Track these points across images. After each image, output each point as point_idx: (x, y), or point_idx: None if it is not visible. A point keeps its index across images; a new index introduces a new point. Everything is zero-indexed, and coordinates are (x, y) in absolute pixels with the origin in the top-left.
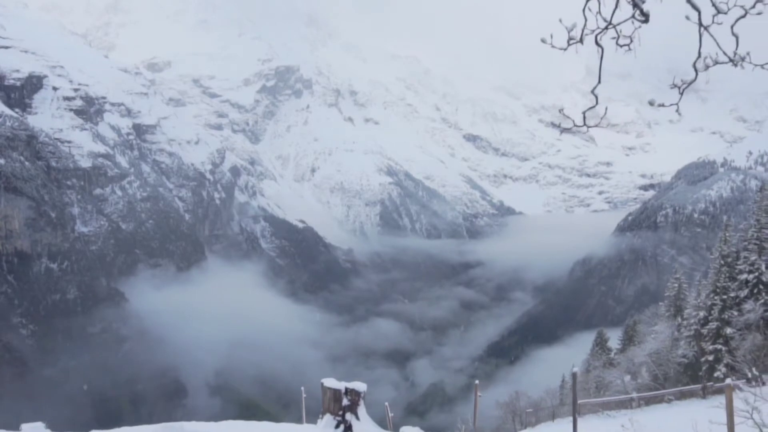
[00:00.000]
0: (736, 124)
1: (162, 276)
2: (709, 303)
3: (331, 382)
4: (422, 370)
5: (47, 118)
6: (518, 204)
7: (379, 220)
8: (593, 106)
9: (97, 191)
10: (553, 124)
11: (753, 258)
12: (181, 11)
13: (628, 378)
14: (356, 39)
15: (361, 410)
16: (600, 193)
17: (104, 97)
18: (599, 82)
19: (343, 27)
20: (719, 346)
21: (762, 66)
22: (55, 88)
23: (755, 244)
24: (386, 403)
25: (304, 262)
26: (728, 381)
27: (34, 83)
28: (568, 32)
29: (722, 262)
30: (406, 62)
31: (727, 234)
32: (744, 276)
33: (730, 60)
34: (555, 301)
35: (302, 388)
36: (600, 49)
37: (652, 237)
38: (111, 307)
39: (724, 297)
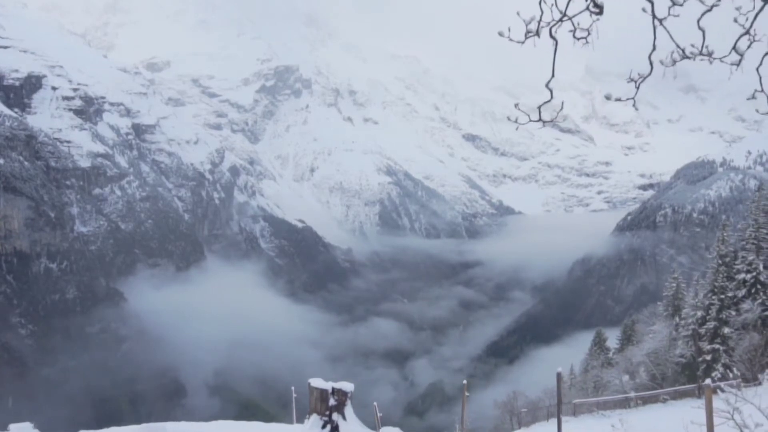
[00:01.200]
0: (735, 123)
1: (161, 276)
2: (707, 303)
3: (317, 382)
4: (421, 370)
5: (46, 117)
6: (517, 204)
7: (378, 219)
8: (548, 101)
9: (97, 191)
10: (509, 119)
11: (751, 258)
12: (180, 11)
13: (626, 378)
14: (356, 39)
15: (348, 410)
16: (599, 192)
17: (103, 97)
18: (552, 75)
19: (343, 27)
20: (717, 346)
21: (721, 59)
22: (54, 88)
23: (753, 243)
24: (375, 403)
25: (304, 262)
26: (707, 381)
27: (33, 83)
28: (526, 25)
29: (720, 261)
30: (405, 62)
31: (725, 234)
32: (742, 276)
33: (699, 53)
34: (554, 300)
35: (292, 388)
36: (554, 42)
37: (651, 237)
38: (110, 307)
39: (722, 297)
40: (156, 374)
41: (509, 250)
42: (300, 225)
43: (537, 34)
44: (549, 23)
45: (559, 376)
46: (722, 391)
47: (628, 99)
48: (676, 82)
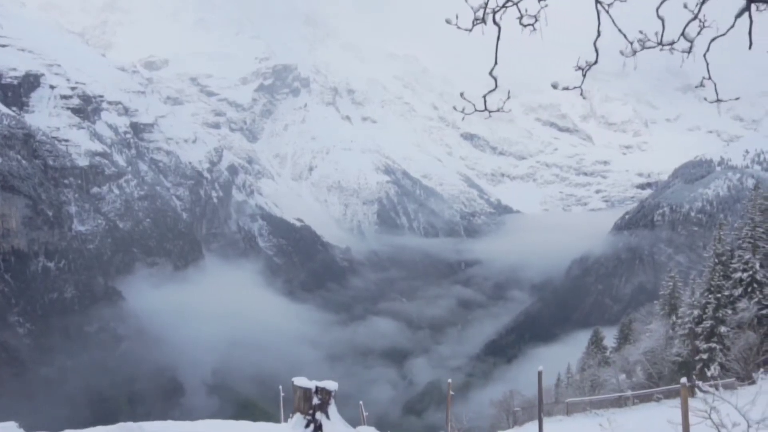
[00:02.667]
0: (733, 123)
1: (159, 275)
2: (704, 301)
3: (301, 381)
4: (420, 369)
5: (44, 116)
6: (515, 203)
7: (376, 218)
8: (493, 90)
9: (95, 190)
10: (455, 108)
11: (747, 256)
12: (179, 10)
13: (623, 376)
14: (354, 38)
15: (332, 409)
16: (597, 191)
17: (101, 96)
18: (496, 63)
19: (342, 26)
20: (713, 345)
21: (671, 47)
22: (52, 87)
23: (749, 242)
24: (360, 402)
25: (302, 261)
26: (683, 380)
27: (31, 82)
28: (474, 12)
29: (716, 260)
30: (403, 61)
31: (721, 233)
32: (738, 274)
33: (658, 44)
34: (552, 299)
35: (280, 387)
36: (498, 29)
37: (649, 236)
38: (108, 306)
39: (719, 295)
40: (154, 373)
41: (507, 249)
42: (298, 224)
43: (484, 21)
44: (494, 9)
45: (539, 375)
46: (700, 389)
47: (575, 87)
48: (675, 81)
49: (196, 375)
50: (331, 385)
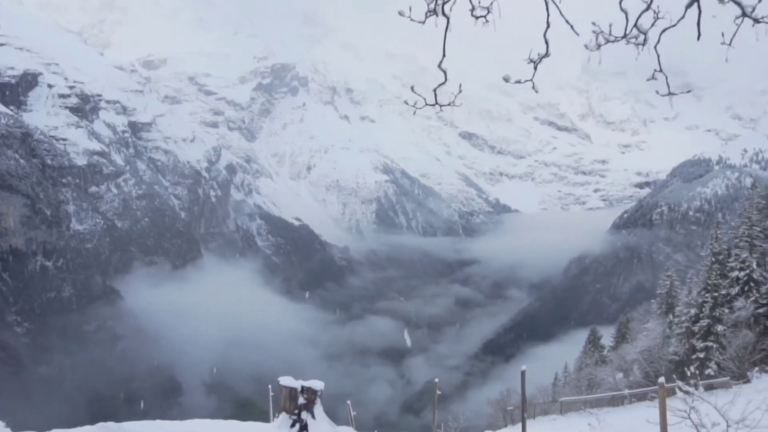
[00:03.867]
0: (731, 121)
1: (157, 274)
2: (701, 300)
3: (287, 381)
4: (418, 368)
5: (42, 115)
6: (514, 202)
7: (374, 217)
8: (443, 83)
9: (93, 189)
10: (406, 103)
11: (744, 255)
12: (177, 9)
13: (620, 375)
14: (352, 37)
15: (318, 409)
16: (595, 190)
17: (100, 95)
18: (444, 56)
19: (340, 25)
20: (710, 344)
21: (627, 39)
22: (50, 86)
23: (746, 241)
24: (348, 402)
25: (300, 260)
26: (661, 380)
27: (29, 81)
28: (427, 5)
29: (713, 259)
30: (402, 60)
31: (718, 231)
32: (735, 273)
33: (624, 37)
34: (550, 298)
35: (270, 386)
36: (446, 20)
37: (648, 235)
38: (106, 305)
39: (716, 294)
40: (152, 372)
41: (506, 248)
42: (297, 223)
43: (436, 12)
44: (444, 0)
45: (523, 375)
46: (681, 389)
47: (526, 81)
48: (673, 80)
49: (194, 374)
50: (317, 384)
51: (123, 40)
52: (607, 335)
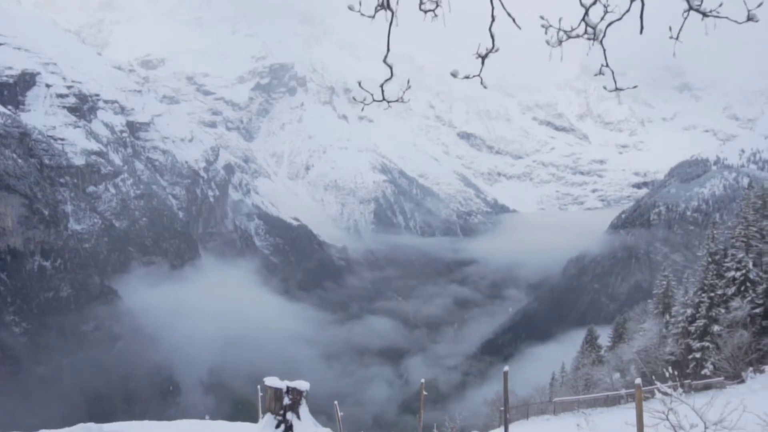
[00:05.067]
0: (729, 122)
1: (155, 274)
2: (697, 300)
3: (272, 381)
4: (416, 368)
5: (40, 115)
6: (512, 202)
7: (373, 217)
8: (389, 78)
9: (91, 189)
10: (355, 99)
11: (740, 255)
12: (175, 8)
13: (617, 375)
14: (350, 37)
15: (303, 409)
16: (593, 191)
17: (98, 95)
18: (388, 50)
19: (337, 24)
20: (706, 344)
21: (599, 41)
22: (48, 86)
23: (742, 241)
24: (335, 402)
25: (298, 260)
26: (637, 381)
27: (27, 80)
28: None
29: (710, 259)
30: (399, 60)
31: (714, 232)
32: (731, 273)
33: (585, 33)
34: (548, 298)
35: (259, 387)
36: (391, 14)
37: (645, 235)
38: (104, 304)
39: (712, 294)
40: (150, 372)
41: (504, 248)
42: (295, 223)
43: (383, 7)
44: None
45: (505, 375)
46: (659, 391)
47: (474, 76)
48: (671, 80)
49: (192, 374)
50: (302, 385)
51: (121, 39)
52: (605, 335)
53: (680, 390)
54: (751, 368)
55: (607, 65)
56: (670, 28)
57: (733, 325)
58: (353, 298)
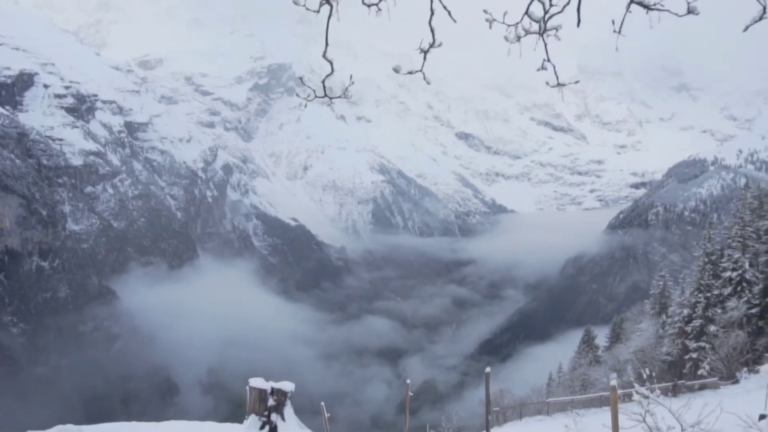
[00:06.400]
0: (726, 122)
1: (154, 274)
2: (693, 301)
3: (257, 382)
4: (414, 368)
5: (38, 115)
6: (510, 202)
7: (371, 218)
8: (330, 74)
9: (89, 189)
10: (297, 95)
11: (737, 256)
12: (173, 9)
13: (614, 375)
14: (348, 37)
15: (288, 410)
16: (591, 191)
17: (96, 95)
18: (327, 44)
19: (335, 25)
20: (703, 344)
21: (542, 34)
22: (46, 86)
23: (739, 241)
24: (322, 403)
25: (297, 260)
26: (613, 382)
27: (25, 81)
28: None
29: (706, 260)
30: (397, 60)
31: (711, 232)
32: (728, 274)
33: (539, 29)
34: (547, 298)
35: (247, 387)
36: (330, 8)
37: (643, 235)
38: (102, 305)
39: (708, 295)
40: (149, 372)
41: (502, 248)
42: (293, 223)
43: (326, 1)
44: None
45: (487, 376)
46: (636, 393)
47: (417, 71)
48: (669, 80)
49: (190, 374)
50: (287, 386)
51: (119, 40)
52: (603, 335)
53: (657, 392)
54: (745, 369)
55: (548, 59)
56: (613, 22)
57: (730, 325)
58: (352, 298)
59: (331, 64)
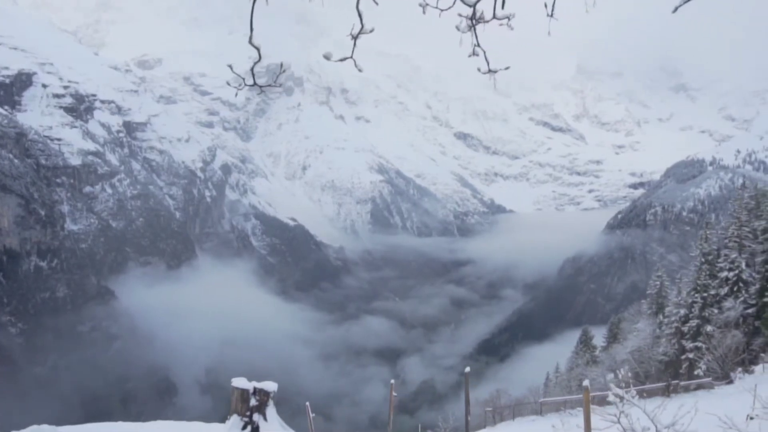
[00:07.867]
0: (724, 122)
1: (152, 274)
2: (690, 301)
3: (239, 382)
4: (413, 368)
5: (37, 115)
6: (509, 202)
7: (370, 218)
8: (258, 61)
9: (87, 189)
10: (228, 84)
11: (733, 256)
12: (172, 8)
13: (610, 376)
14: (346, 37)
15: (270, 411)
16: (590, 191)
17: (94, 95)
18: (252, 29)
19: (333, 25)
20: (699, 344)
21: (506, 22)
22: (44, 86)
23: (735, 242)
24: (307, 403)
25: (295, 260)
26: (585, 383)
27: (23, 80)
28: None
29: (703, 260)
30: (396, 60)
31: (708, 232)
32: (724, 274)
33: (493, 17)
34: (545, 298)
35: (234, 387)
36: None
37: (642, 235)
38: (101, 305)
39: (705, 295)
40: (147, 372)
41: (501, 248)
42: (292, 223)
43: None
44: None
45: (466, 376)
46: (612, 394)
47: (347, 58)
48: (667, 81)
49: (189, 374)
50: (269, 386)
51: (118, 39)
52: (601, 335)
53: (633, 392)
54: (740, 369)
55: (478, 45)
56: (546, 5)
57: (726, 325)
58: (350, 298)
59: (258, 50)
